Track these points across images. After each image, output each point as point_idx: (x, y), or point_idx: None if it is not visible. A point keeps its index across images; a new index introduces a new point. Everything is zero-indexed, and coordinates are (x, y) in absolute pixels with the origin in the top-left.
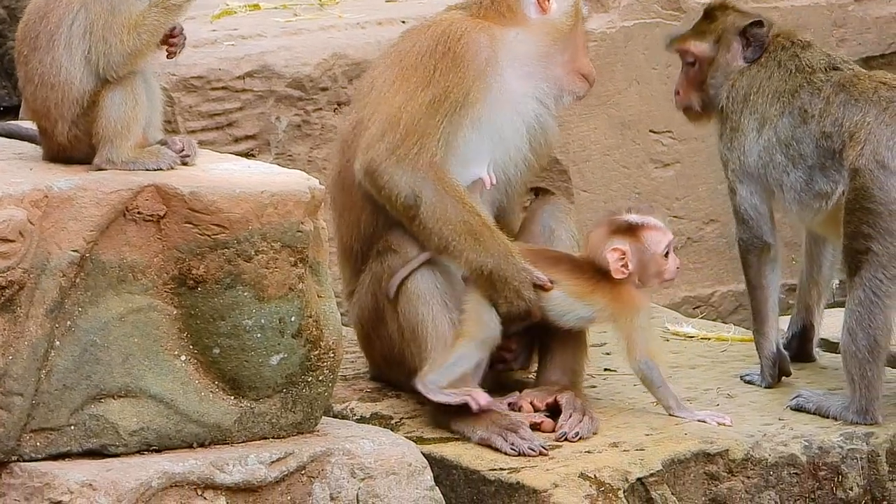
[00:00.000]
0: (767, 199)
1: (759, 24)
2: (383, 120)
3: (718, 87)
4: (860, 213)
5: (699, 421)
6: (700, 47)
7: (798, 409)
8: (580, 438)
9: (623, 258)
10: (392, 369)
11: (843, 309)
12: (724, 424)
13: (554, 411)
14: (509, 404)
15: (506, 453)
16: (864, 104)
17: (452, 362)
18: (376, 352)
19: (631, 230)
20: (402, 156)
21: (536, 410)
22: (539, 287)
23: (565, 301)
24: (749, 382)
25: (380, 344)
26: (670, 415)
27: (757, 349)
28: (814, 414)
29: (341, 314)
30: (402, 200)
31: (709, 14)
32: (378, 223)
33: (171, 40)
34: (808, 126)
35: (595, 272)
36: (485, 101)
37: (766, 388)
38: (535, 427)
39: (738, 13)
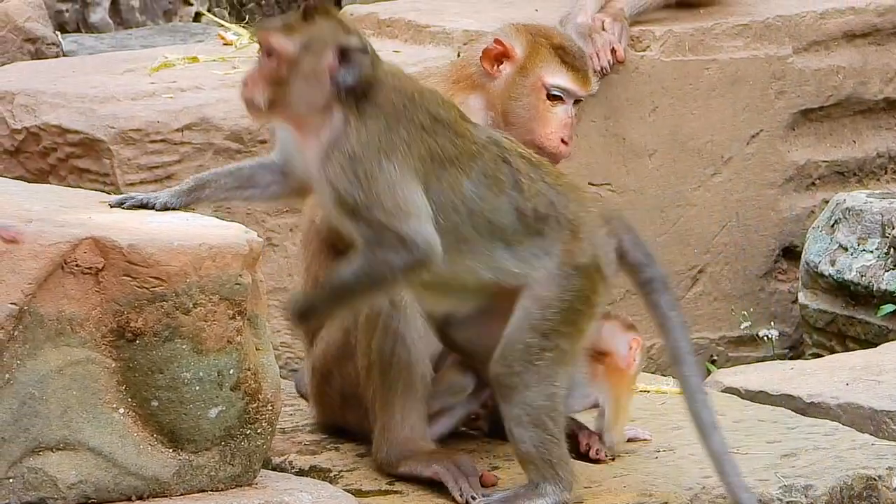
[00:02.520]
0: None
1: (365, 50)
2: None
3: (308, 101)
4: (568, 312)
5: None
6: (284, 44)
7: None
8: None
9: (637, 354)
10: (346, 409)
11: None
12: (646, 440)
13: None
14: None
15: (453, 497)
16: (568, 196)
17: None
18: (333, 390)
19: (633, 327)
20: None
21: None
22: None
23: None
24: None
25: (340, 381)
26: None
27: None
28: None
29: (280, 366)
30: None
31: (306, 13)
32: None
33: None
34: (505, 198)
35: (595, 359)
36: None
37: None
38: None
39: (342, 25)
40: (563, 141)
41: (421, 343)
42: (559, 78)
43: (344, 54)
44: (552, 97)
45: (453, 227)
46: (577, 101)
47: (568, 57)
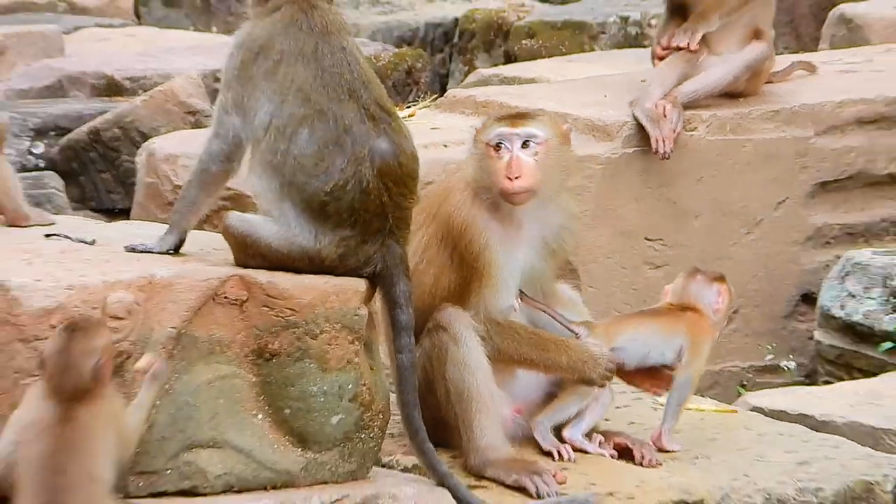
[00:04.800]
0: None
1: None
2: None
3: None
4: None
5: (671, 450)
6: None
7: None
8: (659, 463)
9: (723, 296)
10: (438, 431)
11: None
12: (674, 451)
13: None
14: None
15: (531, 495)
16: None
17: (560, 409)
18: (424, 416)
19: (723, 279)
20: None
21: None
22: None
23: (657, 337)
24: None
25: (427, 411)
26: (656, 437)
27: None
28: None
29: (390, 383)
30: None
31: None
32: (427, 309)
33: None
34: (320, 180)
35: (676, 313)
36: (500, 258)
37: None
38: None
39: None
40: (507, 178)
41: (483, 366)
42: (492, 130)
43: None
44: (496, 147)
45: (265, 153)
46: (525, 143)
47: (501, 113)
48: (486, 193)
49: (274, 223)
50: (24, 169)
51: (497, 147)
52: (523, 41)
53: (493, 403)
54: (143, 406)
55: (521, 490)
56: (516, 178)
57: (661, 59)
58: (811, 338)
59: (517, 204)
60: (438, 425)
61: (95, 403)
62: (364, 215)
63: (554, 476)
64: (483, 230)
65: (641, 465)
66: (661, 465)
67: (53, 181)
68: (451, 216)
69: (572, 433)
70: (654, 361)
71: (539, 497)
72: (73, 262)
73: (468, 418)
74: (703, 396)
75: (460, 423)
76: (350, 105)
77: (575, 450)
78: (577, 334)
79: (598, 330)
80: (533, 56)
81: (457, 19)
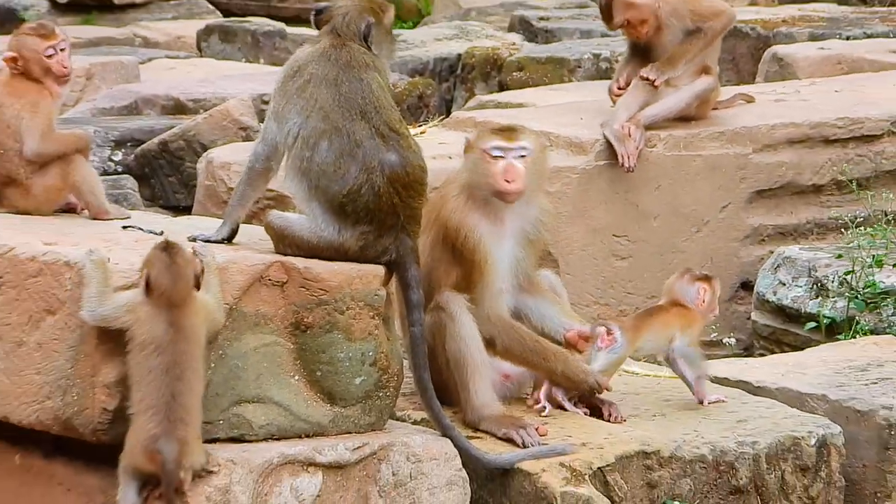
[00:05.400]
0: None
1: (320, 11)
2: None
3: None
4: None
5: (714, 401)
6: None
7: None
8: (623, 420)
9: (705, 293)
10: (440, 392)
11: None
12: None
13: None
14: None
15: (518, 445)
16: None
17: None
18: (432, 382)
19: (707, 279)
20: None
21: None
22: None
23: (661, 334)
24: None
25: (431, 375)
26: (694, 392)
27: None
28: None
29: (403, 351)
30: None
31: None
32: (429, 288)
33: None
34: (338, 184)
35: (670, 310)
36: (491, 252)
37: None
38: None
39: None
40: (505, 181)
41: (476, 338)
42: (491, 141)
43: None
44: (493, 156)
45: (295, 159)
46: (522, 156)
47: (495, 127)
48: (478, 192)
49: (305, 220)
50: (105, 173)
51: (495, 157)
52: (514, 73)
53: (485, 369)
54: (213, 287)
55: (510, 441)
56: (512, 181)
57: (617, 95)
58: (749, 318)
59: (510, 202)
60: (440, 388)
61: (194, 307)
62: (378, 214)
63: (537, 429)
64: (475, 227)
65: (609, 421)
66: (625, 421)
67: (129, 183)
68: (448, 218)
69: (556, 390)
70: (657, 352)
71: (524, 446)
72: (145, 249)
73: (464, 382)
74: (659, 365)
75: (458, 385)
76: (361, 124)
77: (556, 406)
78: (609, 330)
79: (628, 334)
80: (522, 85)
81: (460, 55)
